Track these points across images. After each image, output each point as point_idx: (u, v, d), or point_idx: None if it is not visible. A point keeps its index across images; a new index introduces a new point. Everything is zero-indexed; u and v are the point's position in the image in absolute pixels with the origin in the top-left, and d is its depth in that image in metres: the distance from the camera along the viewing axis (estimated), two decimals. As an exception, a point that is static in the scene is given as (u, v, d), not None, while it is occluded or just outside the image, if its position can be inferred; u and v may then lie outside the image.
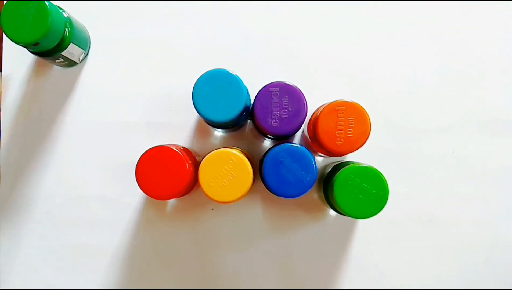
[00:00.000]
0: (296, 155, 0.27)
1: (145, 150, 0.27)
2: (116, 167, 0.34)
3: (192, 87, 0.27)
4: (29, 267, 0.34)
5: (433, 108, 0.34)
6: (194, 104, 0.27)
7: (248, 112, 0.29)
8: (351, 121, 0.26)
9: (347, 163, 0.29)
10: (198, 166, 0.27)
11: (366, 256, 0.34)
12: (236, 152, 0.27)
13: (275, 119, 0.27)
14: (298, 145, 0.27)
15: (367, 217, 0.27)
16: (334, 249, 0.34)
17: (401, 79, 0.34)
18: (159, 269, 0.34)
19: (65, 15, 0.30)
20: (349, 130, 0.26)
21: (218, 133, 0.34)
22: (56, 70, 0.34)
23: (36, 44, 0.28)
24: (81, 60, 0.34)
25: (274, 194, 0.27)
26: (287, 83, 0.27)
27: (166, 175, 0.27)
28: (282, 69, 0.34)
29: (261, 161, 0.29)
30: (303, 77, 0.34)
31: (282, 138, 0.31)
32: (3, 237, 0.34)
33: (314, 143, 0.28)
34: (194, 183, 0.29)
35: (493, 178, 0.34)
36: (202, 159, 0.27)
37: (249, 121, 0.33)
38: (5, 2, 0.28)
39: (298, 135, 0.34)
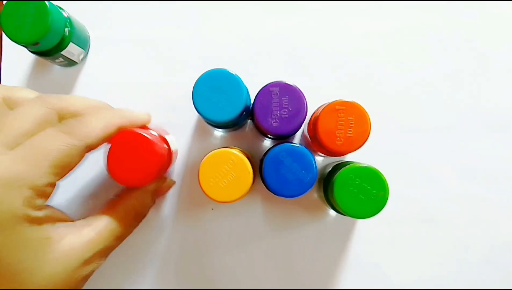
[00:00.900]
0: (296, 155, 0.27)
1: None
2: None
3: (192, 87, 0.27)
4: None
5: (433, 108, 0.34)
6: (194, 104, 0.27)
7: (248, 112, 0.29)
8: (351, 121, 0.26)
9: (347, 163, 0.29)
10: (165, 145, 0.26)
11: (366, 256, 0.34)
12: (236, 152, 0.27)
13: (275, 119, 0.27)
14: (298, 145, 0.27)
15: (367, 217, 0.27)
16: (334, 249, 0.34)
17: (401, 79, 0.34)
18: (159, 269, 0.34)
19: (65, 15, 0.30)
20: (349, 130, 0.26)
21: (218, 133, 0.34)
22: (56, 69, 0.34)
23: (36, 44, 0.28)
24: (81, 60, 0.34)
25: (274, 194, 0.27)
26: (287, 83, 0.27)
27: (136, 160, 0.26)
28: (282, 69, 0.34)
29: (261, 161, 0.29)
30: (303, 77, 0.34)
31: (282, 138, 0.31)
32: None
33: (314, 143, 0.28)
34: (166, 164, 0.28)
35: (493, 178, 0.34)
36: (202, 159, 0.27)
37: (249, 121, 0.33)
38: (5, 2, 0.28)
39: (298, 135, 0.34)
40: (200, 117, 0.27)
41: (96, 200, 0.34)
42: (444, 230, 0.34)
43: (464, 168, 0.34)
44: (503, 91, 0.34)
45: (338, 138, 0.26)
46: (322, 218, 0.34)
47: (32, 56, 0.34)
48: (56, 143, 0.21)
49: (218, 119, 0.27)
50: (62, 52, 0.31)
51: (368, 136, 0.26)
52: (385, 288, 0.34)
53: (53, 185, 0.22)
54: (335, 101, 0.26)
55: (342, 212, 0.27)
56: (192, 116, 0.34)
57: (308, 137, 0.29)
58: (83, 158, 0.23)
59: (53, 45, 0.29)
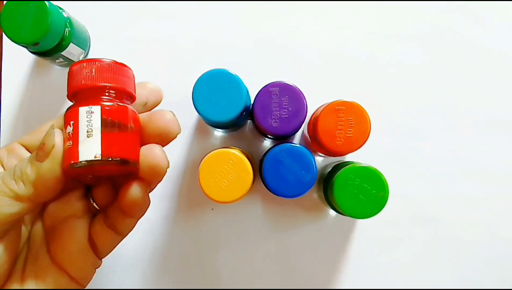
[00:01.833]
0: (296, 155, 0.27)
1: None
2: (116, 167, 0.34)
3: (192, 87, 0.27)
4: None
5: (433, 108, 0.34)
6: (194, 104, 0.27)
7: (248, 112, 0.29)
8: (351, 121, 0.26)
9: (347, 163, 0.29)
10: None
11: (366, 256, 0.34)
12: (236, 152, 0.27)
13: (275, 119, 0.27)
14: (298, 145, 0.27)
15: (367, 217, 0.27)
16: (334, 249, 0.34)
17: (401, 79, 0.34)
18: (159, 269, 0.34)
19: (65, 15, 0.30)
20: (349, 130, 0.26)
21: (218, 133, 0.34)
22: (56, 70, 0.34)
23: (36, 44, 0.28)
24: (81, 60, 0.34)
25: (274, 194, 0.27)
26: (287, 83, 0.27)
27: None
28: (282, 69, 0.34)
29: (261, 161, 0.29)
30: (303, 77, 0.34)
31: (282, 138, 0.31)
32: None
33: (314, 143, 0.28)
34: None
35: (493, 178, 0.34)
36: (202, 159, 0.27)
37: (249, 121, 0.33)
38: (5, 2, 0.28)
39: (298, 135, 0.34)
40: (200, 117, 0.27)
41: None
42: (443, 230, 0.34)
43: (464, 168, 0.34)
44: (503, 91, 0.34)
45: (338, 138, 0.26)
46: (322, 218, 0.34)
47: (32, 56, 0.33)
48: None
49: (218, 119, 0.27)
50: (62, 53, 0.31)
51: (368, 136, 0.26)
52: (385, 288, 0.34)
53: None
54: (335, 101, 0.26)
55: (342, 212, 0.27)
56: (192, 116, 0.34)
57: (308, 137, 0.29)
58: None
59: (53, 45, 0.29)
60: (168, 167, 0.21)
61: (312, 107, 0.28)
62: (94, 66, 0.20)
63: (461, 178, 0.34)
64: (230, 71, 0.27)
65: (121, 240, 0.23)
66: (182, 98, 0.34)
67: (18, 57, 0.34)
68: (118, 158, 0.19)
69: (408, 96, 0.34)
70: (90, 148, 0.19)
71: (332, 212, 0.34)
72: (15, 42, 0.27)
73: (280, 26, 0.34)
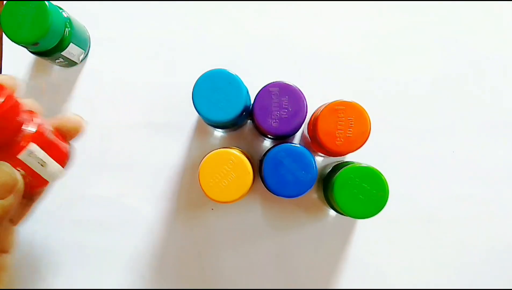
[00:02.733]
0: (296, 155, 0.27)
1: None
2: (116, 167, 0.34)
3: (192, 87, 0.27)
4: (29, 267, 0.34)
5: (433, 109, 0.34)
6: (194, 104, 0.27)
7: (248, 112, 0.29)
8: (351, 121, 0.26)
9: (347, 163, 0.29)
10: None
11: (366, 256, 0.34)
12: (236, 152, 0.27)
13: (275, 119, 0.27)
14: (298, 145, 0.27)
15: (367, 217, 0.27)
16: (334, 249, 0.34)
17: (401, 79, 0.34)
18: (159, 269, 0.34)
19: (65, 15, 0.30)
20: (349, 130, 0.26)
21: (218, 133, 0.34)
22: (56, 70, 0.34)
23: (36, 44, 0.28)
24: (81, 60, 0.34)
25: (274, 194, 0.27)
26: (287, 83, 0.27)
27: None
28: (282, 69, 0.34)
29: (261, 161, 0.29)
30: (303, 77, 0.34)
31: (282, 138, 0.31)
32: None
33: (314, 143, 0.28)
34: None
35: (493, 178, 0.34)
36: (202, 159, 0.27)
37: (249, 121, 0.33)
38: (5, 2, 0.28)
39: (298, 135, 0.34)
40: (200, 117, 0.27)
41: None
42: (444, 230, 0.34)
43: (464, 168, 0.34)
44: (503, 91, 0.34)
45: (338, 138, 0.26)
46: (322, 218, 0.34)
47: (32, 56, 0.34)
48: None
49: (218, 119, 0.27)
50: (62, 53, 0.31)
51: (368, 136, 0.26)
52: (385, 288, 0.34)
53: None
54: (335, 101, 0.26)
55: (342, 212, 0.27)
56: (192, 116, 0.34)
57: (308, 137, 0.29)
58: None
59: (53, 45, 0.29)
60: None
61: (312, 107, 0.28)
62: None
63: (461, 178, 0.34)
64: (230, 71, 0.27)
65: (32, 205, 0.25)
66: (182, 98, 0.34)
67: (18, 57, 0.34)
68: None
69: (408, 96, 0.34)
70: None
71: (332, 212, 0.34)
72: (15, 42, 0.27)
73: (280, 26, 0.34)
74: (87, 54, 0.34)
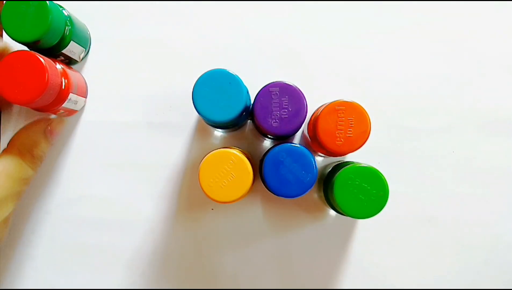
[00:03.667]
0: (296, 155, 0.27)
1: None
2: (116, 167, 0.34)
3: (192, 87, 0.27)
4: (29, 267, 0.34)
5: (433, 108, 0.34)
6: (194, 104, 0.27)
7: (248, 112, 0.29)
8: (351, 121, 0.26)
9: (347, 163, 0.29)
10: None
11: (366, 256, 0.34)
12: (236, 152, 0.27)
13: (275, 119, 0.27)
14: (298, 145, 0.27)
15: (367, 217, 0.27)
16: (334, 249, 0.34)
17: (401, 79, 0.34)
18: (159, 269, 0.34)
19: (66, 14, 0.30)
20: (349, 130, 0.26)
21: (218, 133, 0.34)
22: (56, 69, 0.34)
23: (36, 42, 0.28)
24: (82, 59, 0.34)
25: (274, 194, 0.27)
26: (287, 83, 0.27)
27: (23, 77, 0.26)
28: (282, 69, 0.34)
29: (261, 161, 0.29)
30: (303, 77, 0.34)
31: (282, 138, 0.31)
32: (3, 236, 0.34)
33: (314, 143, 0.28)
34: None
35: (493, 178, 0.34)
36: (202, 159, 0.27)
37: (249, 121, 0.33)
38: (5, 0, 0.28)
39: (298, 135, 0.34)
40: (200, 117, 0.27)
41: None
42: (443, 230, 0.34)
43: (463, 168, 0.34)
44: (503, 91, 0.34)
45: (338, 138, 0.26)
46: (322, 218, 0.34)
47: (33, 55, 0.33)
48: None
49: (218, 119, 0.27)
50: (63, 51, 0.31)
51: (368, 136, 0.26)
52: (385, 288, 0.34)
53: None
54: (335, 101, 0.26)
55: (342, 212, 0.27)
56: (192, 116, 0.34)
57: (308, 137, 0.29)
58: None
59: (54, 43, 0.29)
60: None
61: (312, 107, 0.28)
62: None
63: (461, 178, 0.34)
64: (230, 71, 0.27)
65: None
66: (182, 98, 0.34)
67: (19, 56, 0.34)
68: None
69: (408, 96, 0.34)
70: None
71: (332, 212, 0.34)
72: (15, 40, 0.27)
73: (280, 26, 0.34)
74: (87, 52, 0.34)
